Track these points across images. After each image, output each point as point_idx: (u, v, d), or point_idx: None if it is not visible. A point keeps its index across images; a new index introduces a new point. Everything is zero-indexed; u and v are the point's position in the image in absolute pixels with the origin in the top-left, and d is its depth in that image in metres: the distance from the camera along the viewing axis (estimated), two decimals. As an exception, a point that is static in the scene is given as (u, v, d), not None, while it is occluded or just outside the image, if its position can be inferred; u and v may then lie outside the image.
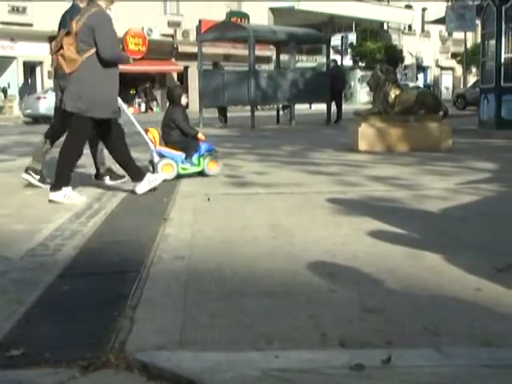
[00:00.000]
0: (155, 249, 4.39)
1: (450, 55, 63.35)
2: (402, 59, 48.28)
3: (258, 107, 27.13)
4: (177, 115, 8.32)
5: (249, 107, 21.58)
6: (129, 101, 38.85)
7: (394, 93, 11.76)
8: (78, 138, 6.51)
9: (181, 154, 8.08)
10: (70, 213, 5.82)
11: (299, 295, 3.39)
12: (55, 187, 6.38)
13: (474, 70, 47.49)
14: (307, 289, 3.50)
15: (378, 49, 47.74)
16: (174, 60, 41.97)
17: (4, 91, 35.45)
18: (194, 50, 24.44)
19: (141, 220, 5.46)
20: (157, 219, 5.40)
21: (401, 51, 49.41)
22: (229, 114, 22.81)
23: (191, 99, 39.86)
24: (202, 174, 8.19)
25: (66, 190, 6.38)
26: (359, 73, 53.29)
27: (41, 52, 35.96)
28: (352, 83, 54.20)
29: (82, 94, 6.34)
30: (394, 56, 44.95)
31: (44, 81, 36.68)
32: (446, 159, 9.88)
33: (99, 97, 6.37)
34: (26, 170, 7.53)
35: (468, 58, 39.19)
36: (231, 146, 13.07)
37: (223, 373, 2.40)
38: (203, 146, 8.27)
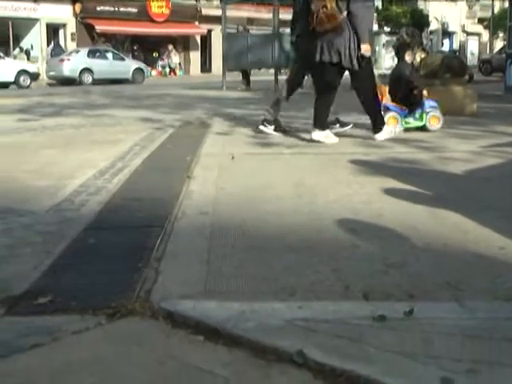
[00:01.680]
0: (179, 205, 4.42)
1: (476, 20, 62.42)
2: (427, 24, 47.69)
3: (282, 71, 26.95)
4: (403, 71, 8.86)
5: (272, 71, 21.47)
6: (151, 64, 38.79)
7: (419, 56, 11.67)
8: (330, 87, 7.83)
9: (405, 109, 8.67)
10: (93, 170, 5.86)
11: (322, 250, 3.40)
12: (317, 128, 7.75)
13: (500, 35, 46.79)
14: (330, 244, 3.51)
15: (404, 13, 47.15)
16: (197, 23, 41.72)
17: (27, 53, 35.48)
18: (218, 13, 24.35)
19: (164, 178, 5.49)
20: (180, 177, 5.42)
21: (427, 16, 48.79)
22: (252, 78, 22.70)
23: (215, 64, 39.70)
24: (423, 128, 8.75)
25: (326, 132, 7.76)
26: (384, 38, 52.70)
27: (64, 14, 35.95)
28: (377, 48, 53.63)
29: (340, 47, 7.35)
30: (419, 21, 44.40)
31: (67, 43, 36.64)
32: (470, 123, 9.80)
33: (350, 51, 7.35)
34: (262, 122, 8.59)
35: (495, 23, 38.68)
36: (254, 107, 13.01)
37: (247, 322, 2.43)
38: (427, 103, 8.87)
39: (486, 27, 53.94)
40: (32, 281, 2.99)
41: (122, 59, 33.20)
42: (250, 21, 38.60)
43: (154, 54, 40.93)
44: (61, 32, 37.04)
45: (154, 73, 38.66)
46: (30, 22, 35.28)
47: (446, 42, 61.78)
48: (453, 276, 2.98)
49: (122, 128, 9.72)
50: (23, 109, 13.38)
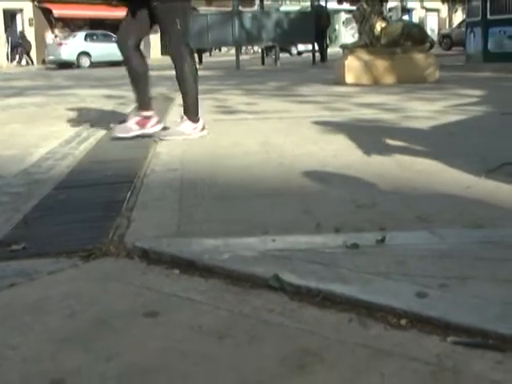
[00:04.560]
0: (148, 164, 4.42)
1: (435, -4, 62.73)
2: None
3: (242, 51, 26.95)
4: None
5: (233, 52, 21.46)
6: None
7: (379, 25, 11.73)
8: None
9: None
10: (59, 140, 5.83)
11: (292, 196, 3.43)
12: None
13: (459, 9, 47.10)
14: (300, 191, 3.54)
15: (362, -10, 47.17)
16: (156, 5, 41.41)
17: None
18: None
19: (131, 143, 5.47)
20: (147, 142, 5.42)
21: (385, -8, 48.83)
22: (213, 59, 22.68)
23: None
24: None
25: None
26: (344, 16, 52.83)
27: (20, -1, 35.45)
28: (336, 26, 53.78)
29: None
30: (378, -4, 44.48)
31: (25, 28, 36.18)
32: (433, 88, 9.91)
33: None
34: None
35: (453, -2, 38.89)
36: (217, 83, 13.03)
37: (222, 253, 2.45)
38: None
39: (444, 1, 54.16)
40: (4, 232, 2.98)
41: None
42: (209, 1, 38.46)
43: (113, 39, 40.53)
44: (18, 17, 36.56)
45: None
46: (-14, 9, 34.80)
47: (406, 18, 62.02)
48: (422, 211, 3.02)
49: (86, 104, 9.67)
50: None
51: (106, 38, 32.81)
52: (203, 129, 5.60)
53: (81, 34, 32.51)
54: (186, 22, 5.56)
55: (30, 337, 1.92)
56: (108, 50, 31.50)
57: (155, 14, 5.43)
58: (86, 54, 31.35)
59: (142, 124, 5.59)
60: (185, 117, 5.57)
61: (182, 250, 2.50)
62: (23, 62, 32.45)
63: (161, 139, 5.35)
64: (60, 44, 31.36)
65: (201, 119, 5.63)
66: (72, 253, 2.64)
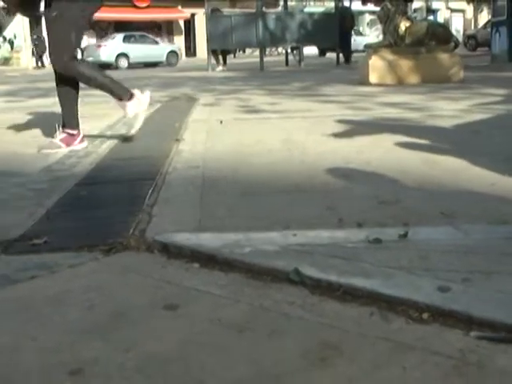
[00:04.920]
0: (170, 161, 4.41)
1: (460, -3, 62.34)
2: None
3: (266, 53, 26.97)
4: None
5: (257, 54, 21.46)
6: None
7: (404, 25, 11.66)
8: None
9: None
10: (82, 139, 5.83)
11: (315, 192, 3.41)
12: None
13: (485, 9, 46.73)
14: (323, 188, 3.51)
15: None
16: (180, 7, 41.54)
17: (10, 42, 35.25)
18: (201, -4, 24.22)
19: (153, 141, 5.49)
20: (169, 140, 5.42)
21: (410, -7, 48.62)
22: (237, 61, 22.69)
23: (199, 48, 39.49)
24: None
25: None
26: (368, 17, 52.68)
27: (46, 1, 35.68)
28: (361, 28, 53.62)
29: None
30: (403, -3, 44.27)
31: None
32: (457, 88, 9.84)
33: None
34: None
35: (479, -2, 38.59)
36: (240, 84, 13.03)
37: (243, 247, 2.43)
38: None
39: (469, 2, 53.77)
40: (26, 227, 2.99)
41: (156, 43, 33.51)
42: (233, 3, 38.50)
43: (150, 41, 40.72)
44: (43, 20, 36.77)
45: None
46: (12, 11, 35.02)
47: (431, 19, 61.66)
48: (446, 207, 2.98)
49: (109, 105, 9.67)
50: (11, 92, 13.32)
51: (143, 40, 33.28)
52: (82, 141, 5.49)
53: (119, 36, 32.94)
54: (78, 33, 5.37)
55: (49, 328, 1.92)
56: (145, 51, 31.96)
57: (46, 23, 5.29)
58: (125, 55, 31.78)
59: (67, 142, 5.45)
60: (64, 129, 5.45)
61: (202, 244, 2.49)
62: (39, 63, 32.53)
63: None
64: (99, 46, 31.88)
65: (81, 131, 5.52)
66: (93, 247, 2.64)
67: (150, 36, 34.32)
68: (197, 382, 1.60)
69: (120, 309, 2.02)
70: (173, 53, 33.17)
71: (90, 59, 31.71)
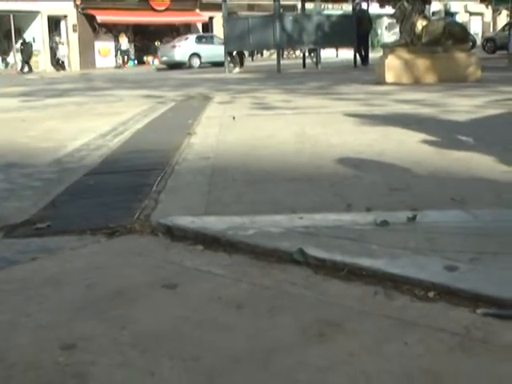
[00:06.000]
0: (180, 153, 4.38)
1: (479, 0, 61.99)
2: (429, 1, 47.26)
3: (284, 56, 26.93)
4: None
5: (274, 57, 21.41)
6: (153, 52, 38.68)
7: (420, 24, 11.55)
8: None
9: None
10: (94, 134, 5.82)
11: (324, 180, 3.36)
12: None
13: (504, 12, 46.41)
14: (332, 176, 3.46)
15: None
16: (198, 11, 41.55)
17: (29, 46, 35.35)
18: (219, 0, 24.20)
19: (165, 135, 5.45)
20: (181, 134, 5.38)
21: (428, -4, 48.37)
22: (254, 63, 22.67)
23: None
24: None
25: None
26: (386, 20, 52.43)
27: (65, 6, 35.80)
28: (379, 31, 53.38)
29: None
30: None
31: (69, 34, 36.54)
32: (474, 86, 9.72)
33: None
34: None
35: (497, 0, 38.26)
36: (257, 84, 12.98)
37: (247, 229, 2.39)
38: None
39: (488, 5, 53.42)
40: (31, 213, 2.96)
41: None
42: (251, 7, 38.47)
43: (156, 43, 40.78)
44: (62, 24, 36.91)
45: (156, 62, 38.55)
46: (31, 15, 35.16)
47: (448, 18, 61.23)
48: (457, 194, 2.92)
49: (124, 103, 9.68)
50: (27, 92, 13.35)
51: (211, 40, 33.92)
52: None
53: (192, 37, 34.10)
54: None
55: (45, 306, 1.88)
56: (214, 51, 32.42)
57: None
58: (197, 55, 32.60)
59: None
60: None
61: (207, 227, 2.45)
62: (25, 69, 32.38)
63: None
64: (174, 46, 32.84)
65: None
66: (96, 230, 2.61)
67: (217, 37, 34.64)
68: (192, 357, 1.56)
69: (118, 288, 1.98)
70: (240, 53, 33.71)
71: (165, 59, 32.66)
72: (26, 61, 33.34)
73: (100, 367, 1.51)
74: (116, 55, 37.16)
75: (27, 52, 33.41)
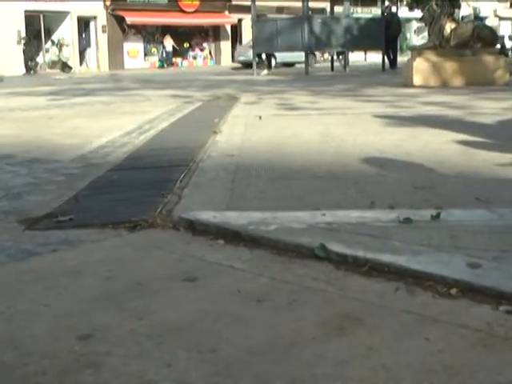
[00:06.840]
0: (205, 150, 4.37)
1: (508, 5, 61.47)
2: (458, 5, 47.01)
3: (316, 59, 26.93)
4: None
5: (302, 59, 21.39)
6: (183, 54, 38.83)
7: (449, 26, 11.46)
8: None
9: None
10: (120, 132, 5.83)
11: (348, 179, 3.33)
12: None
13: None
14: (357, 175, 3.43)
15: (435, -2, 46.47)
16: (227, 13, 41.63)
17: (58, 46, 35.61)
18: (248, 2, 24.22)
19: (191, 134, 5.44)
20: (207, 133, 5.37)
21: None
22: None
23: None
24: None
25: None
26: (415, 24, 52.19)
27: (94, 7, 36.03)
28: (408, 35, 53.15)
29: None
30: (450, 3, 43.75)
31: (98, 35, 36.76)
32: (502, 90, 9.64)
33: None
34: None
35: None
36: (284, 85, 12.97)
37: (269, 225, 2.37)
38: None
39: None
40: (54, 207, 2.97)
41: None
42: (280, 9, 38.45)
43: (185, 45, 40.89)
44: (91, 24, 37.13)
45: (185, 63, 38.68)
46: (61, 15, 35.41)
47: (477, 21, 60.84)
48: (482, 194, 2.89)
49: (151, 103, 9.70)
50: (55, 91, 13.44)
51: None
52: None
53: None
54: None
55: (64, 296, 1.88)
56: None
57: None
58: (272, 55, 32.80)
59: None
60: None
61: (228, 222, 2.43)
62: (66, 69, 32.43)
63: None
64: (251, 46, 32.96)
65: None
66: (118, 224, 2.60)
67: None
68: (209, 349, 1.54)
69: (138, 280, 1.97)
70: (312, 54, 33.78)
71: (242, 58, 32.78)
72: (65, 61, 33.47)
73: (115, 357, 1.50)
74: (161, 56, 37.47)
75: (66, 52, 33.50)
